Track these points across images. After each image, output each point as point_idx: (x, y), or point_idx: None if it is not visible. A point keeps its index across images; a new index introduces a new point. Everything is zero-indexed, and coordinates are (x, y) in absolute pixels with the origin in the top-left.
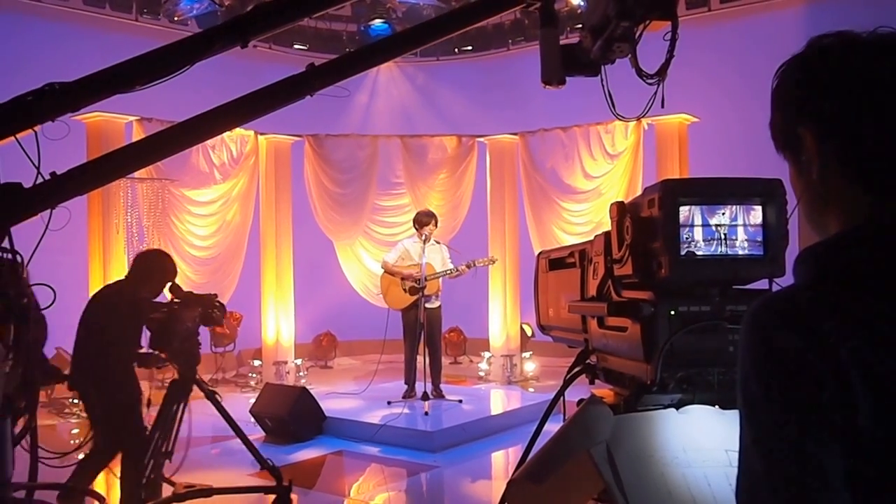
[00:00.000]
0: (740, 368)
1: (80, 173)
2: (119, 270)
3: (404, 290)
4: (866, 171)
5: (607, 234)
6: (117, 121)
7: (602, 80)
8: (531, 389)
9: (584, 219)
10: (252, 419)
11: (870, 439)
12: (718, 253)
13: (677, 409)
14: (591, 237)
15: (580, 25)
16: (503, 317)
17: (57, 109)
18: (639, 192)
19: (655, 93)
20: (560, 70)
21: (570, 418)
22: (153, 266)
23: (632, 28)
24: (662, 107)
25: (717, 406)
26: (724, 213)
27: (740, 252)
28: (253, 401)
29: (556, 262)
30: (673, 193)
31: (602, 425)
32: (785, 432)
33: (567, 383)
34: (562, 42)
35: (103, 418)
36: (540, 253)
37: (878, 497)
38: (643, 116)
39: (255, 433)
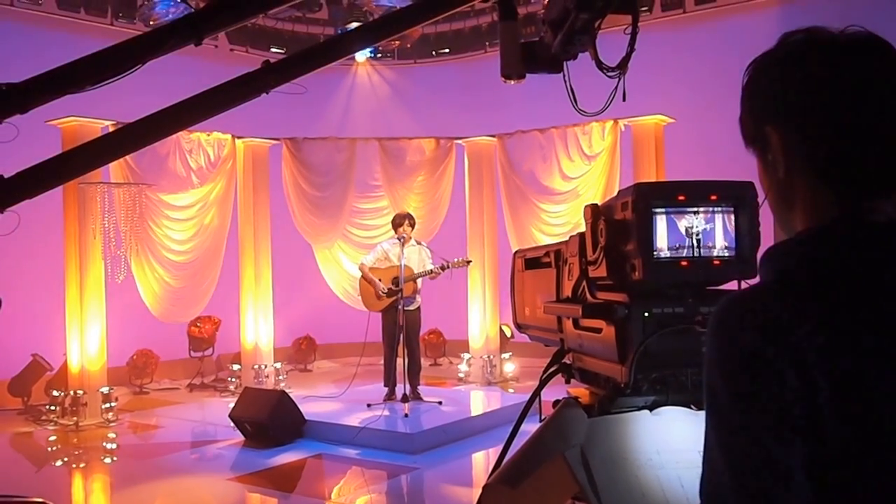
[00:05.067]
0: (705, 368)
1: (29, 176)
2: (96, 276)
3: (379, 294)
4: (830, 171)
5: (582, 236)
6: (93, 125)
7: (564, 77)
8: (511, 390)
9: (562, 220)
10: (231, 424)
11: (833, 437)
12: (691, 255)
13: (651, 410)
14: (568, 238)
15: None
16: (482, 318)
17: (4, 111)
18: (616, 194)
19: (616, 87)
20: (520, 64)
21: (544, 422)
22: None
23: (592, 20)
24: (624, 100)
25: (691, 407)
26: (696, 216)
27: (713, 254)
28: (232, 405)
29: (532, 261)
30: (646, 197)
31: (576, 428)
32: (748, 431)
33: (543, 383)
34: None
35: None
36: (516, 252)
37: (841, 496)
38: (604, 111)
39: (235, 437)
